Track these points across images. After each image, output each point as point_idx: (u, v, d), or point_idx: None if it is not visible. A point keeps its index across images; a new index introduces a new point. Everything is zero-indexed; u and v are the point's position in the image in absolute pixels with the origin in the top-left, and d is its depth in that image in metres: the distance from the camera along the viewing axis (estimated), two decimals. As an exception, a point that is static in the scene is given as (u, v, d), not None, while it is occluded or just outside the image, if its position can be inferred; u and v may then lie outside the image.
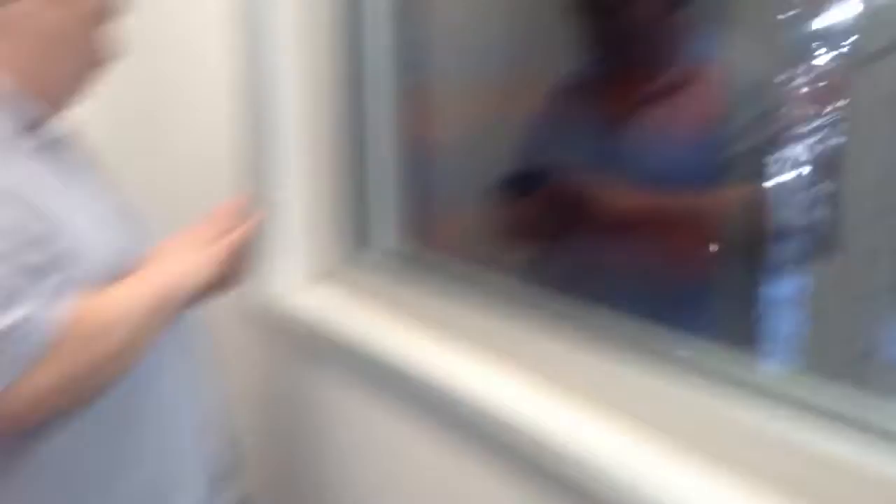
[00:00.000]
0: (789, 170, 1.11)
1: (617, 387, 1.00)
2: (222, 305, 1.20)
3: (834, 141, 1.10)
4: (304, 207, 1.54)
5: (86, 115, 1.10)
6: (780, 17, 1.28)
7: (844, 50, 1.13)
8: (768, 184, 1.10)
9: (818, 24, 1.42)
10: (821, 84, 1.17)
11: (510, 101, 1.35)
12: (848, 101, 1.08)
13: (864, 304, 1.04)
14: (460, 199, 1.45)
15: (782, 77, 1.18)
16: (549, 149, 1.29)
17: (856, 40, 1.10)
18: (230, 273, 1.12)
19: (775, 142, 1.10)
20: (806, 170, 1.11)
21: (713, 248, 1.13)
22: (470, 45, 1.40)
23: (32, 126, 0.98)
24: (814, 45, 1.30)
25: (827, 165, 1.09)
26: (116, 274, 0.96)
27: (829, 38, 1.24)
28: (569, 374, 1.06)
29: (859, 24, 1.10)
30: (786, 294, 1.16)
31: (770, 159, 1.11)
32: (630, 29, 1.20)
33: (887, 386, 0.91)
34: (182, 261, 1.05)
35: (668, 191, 1.15)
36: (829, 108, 1.12)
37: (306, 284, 1.55)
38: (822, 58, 1.25)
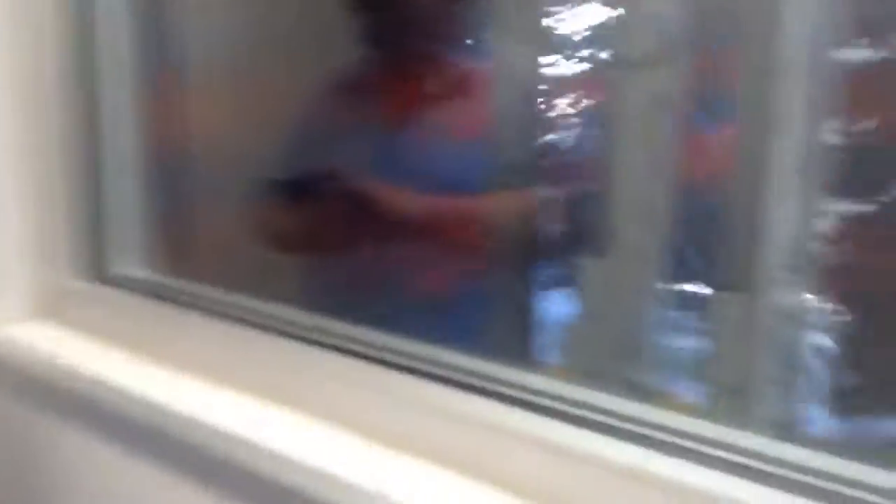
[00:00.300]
0: (559, 172, 1.10)
1: (365, 407, 0.95)
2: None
3: (599, 142, 1.10)
4: (19, 230, 1.28)
5: None
6: (548, 20, 1.28)
7: (609, 54, 1.13)
8: (540, 186, 1.08)
9: (582, 27, 1.45)
10: (586, 88, 1.17)
11: (278, 98, 1.21)
12: (613, 103, 1.08)
13: (633, 304, 1.02)
14: (220, 212, 1.27)
15: (550, 81, 1.17)
16: (323, 150, 1.16)
17: (619, 45, 1.11)
18: None
19: (545, 144, 1.09)
20: (574, 171, 1.10)
21: (488, 251, 1.09)
22: (230, 33, 1.24)
23: None
24: (579, 49, 1.32)
25: (593, 167, 1.08)
26: None
27: (594, 42, 1.25)
28: (333, 405, 0.99)
29: (623, 30, 1.10)
30: (557, 297, 1.16)
31: (541, 162, 1.09)
32: (406, 21, 1.13)
33: (653, 387, 0.94)
34: None
35: (449, 194, 1.09)
36: (594, 111, 1.12)
37: (24, 320, 1.30)
38: (587, 62, 1.26)
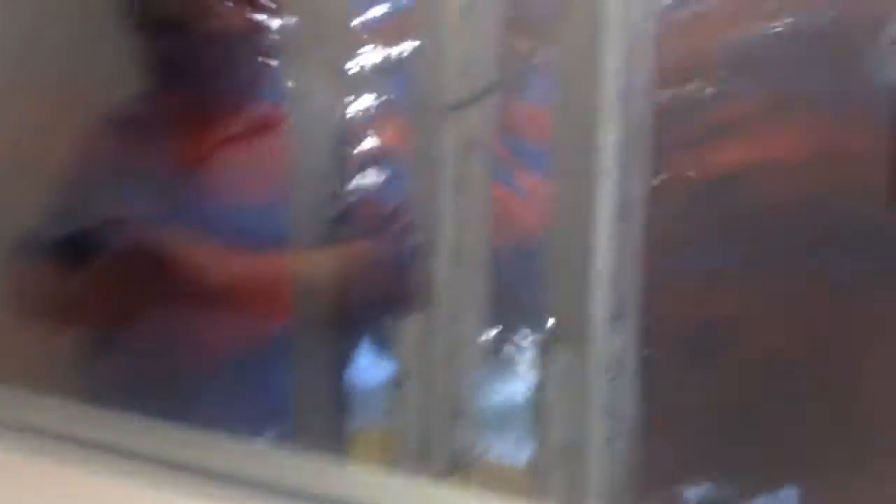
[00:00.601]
0: (370, 222, 1.04)
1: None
2: None
3: (411, 189, 1.05)
4: None
5: None
6: (353, 59, 1.22)
7: (417, 96, 1.10)
8: (350, 237, 1.01)
9: (388, 67, 1.40)
10: (395, 131, 1.13)
11: (47, 135, 1.05)
12: (425, 148, 1.04)
13: (454, 360, 0.98)
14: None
15: (356, 123, 1.12)
16: (104, 200, 1.01)
17: (429, 87, 1.07)
18: None
19: (353, 192, 1.02)
20: (386, 221, 1.04)
21: (297, 313, 1.00)
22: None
23: None
24: (385, 90, 1.27)
25: (405, 216, 1.03)
26: None
27: (400, 83, 1.21)
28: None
29: (433, 72, 1.07)
30: (375, 356, 1.09)
31: (350, 212, 1.02)
32: (197, 53, 1.01)
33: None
34: None
35: (252, 249, 0.98)
36: (404, 156, 1.07)
37: None
38: (393, 104, 1.21)
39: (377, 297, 0.96)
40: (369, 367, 1.09)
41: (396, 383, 0.97)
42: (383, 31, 1.49)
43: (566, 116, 0.81)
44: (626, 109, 0.80)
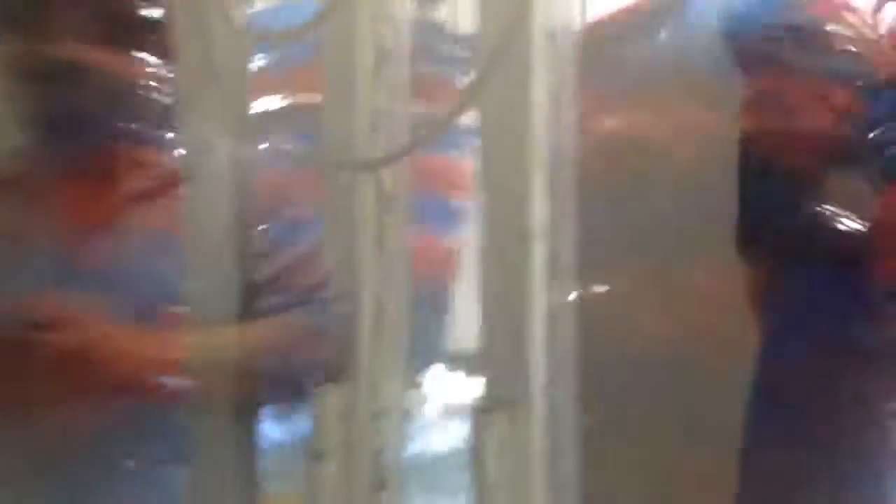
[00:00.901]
0: (280, 285, 0.98)
1: None
2: None
3: (324, 248, 1.00)
4: None
5: None
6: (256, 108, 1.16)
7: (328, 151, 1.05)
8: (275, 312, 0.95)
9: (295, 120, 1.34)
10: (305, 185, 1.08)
11: None
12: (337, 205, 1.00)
13: (373, 429, 0.93)
14: None
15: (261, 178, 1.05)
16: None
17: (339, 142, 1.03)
18: None
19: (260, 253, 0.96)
20: (298, 282, 0.99)
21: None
22: None
23: None
24: (292, 143, 1.21)
25: (318, 276, 0.97)
26: None
27: (309, 136, 1.16)
28: None
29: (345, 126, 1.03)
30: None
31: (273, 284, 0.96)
32: (83, 103, 0.93)
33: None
34: None
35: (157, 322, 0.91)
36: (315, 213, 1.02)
37: None
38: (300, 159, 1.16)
39: (294, 372, 0.90)
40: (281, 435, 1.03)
41: (316, 454, 0.90)
42: (275, 81, 1.44)
43: (495, 173, 0.79)
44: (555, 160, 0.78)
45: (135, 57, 0.96)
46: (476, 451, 0.80)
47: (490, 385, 0.80)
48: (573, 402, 0.81)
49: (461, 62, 1.24)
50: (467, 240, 1.39)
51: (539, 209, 0.75)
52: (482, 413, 0.79)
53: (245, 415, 0.99)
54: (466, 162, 1.32)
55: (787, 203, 0.94)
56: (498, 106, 0.78)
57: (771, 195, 0.95)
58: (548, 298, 0.77)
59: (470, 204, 1.36)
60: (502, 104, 0.78)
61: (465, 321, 1.48)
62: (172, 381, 0.93)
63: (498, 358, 0.79)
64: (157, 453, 0.92)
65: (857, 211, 0.93)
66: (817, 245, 0.94)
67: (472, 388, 0.99)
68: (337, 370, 0.88)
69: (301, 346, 0.90)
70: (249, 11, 1.19)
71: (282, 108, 1.38)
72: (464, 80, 1.26)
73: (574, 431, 0.81)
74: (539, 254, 0.76)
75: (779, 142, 0.95)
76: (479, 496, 0.80)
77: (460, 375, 1.49)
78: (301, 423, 1.00)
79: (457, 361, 1.50)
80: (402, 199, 0.94)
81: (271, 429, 1.06)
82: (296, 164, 1.02)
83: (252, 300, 0.89)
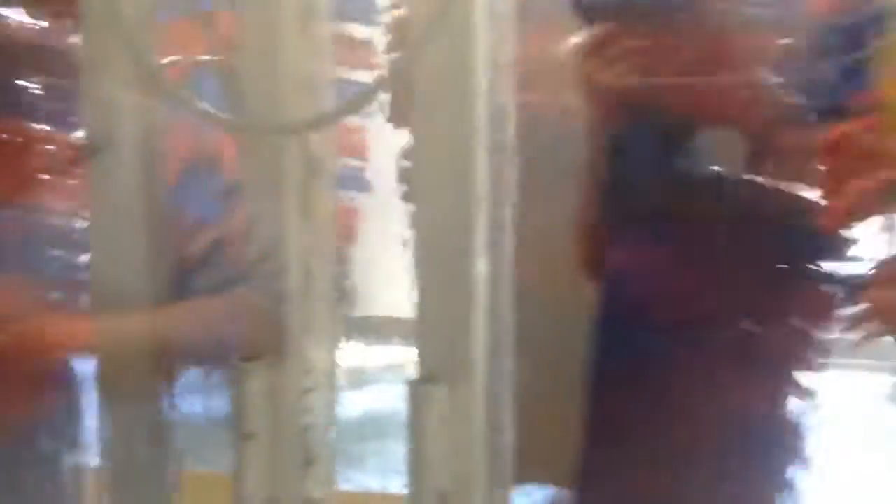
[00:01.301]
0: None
1: None
2: None
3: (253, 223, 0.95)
4: None
5: None
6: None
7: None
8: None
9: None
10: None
11: None
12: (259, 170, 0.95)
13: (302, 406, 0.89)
14: None
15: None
16: None
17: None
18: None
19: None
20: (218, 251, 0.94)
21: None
22: None
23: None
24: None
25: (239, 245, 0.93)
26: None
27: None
28: None
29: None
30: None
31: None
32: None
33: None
34: None
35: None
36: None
37: None
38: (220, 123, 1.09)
39: (220, 350, 0.85)
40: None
41: (244, 435, 0.86)
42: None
43: (437, 141, 0.76)
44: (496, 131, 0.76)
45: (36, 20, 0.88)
46: (414, 424, 0.78)
47: (426, 355, 0.78)
48: (512, 371, 0.79)
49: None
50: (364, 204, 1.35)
51: (481, 172, 0.73)
52: (420, 384, 0.77)
53: (159, 393, 0.94)
54: (362, 124, 1.27)
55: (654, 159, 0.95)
56: (436, 68, 0.75)
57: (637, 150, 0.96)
58: (488, 265, 0.75)
59: (366, 167, 1.32)
60: (441, 66, 0.75)
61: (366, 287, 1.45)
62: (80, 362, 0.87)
63: (437, 327, 0.77)
64: (69, 438, 0.86)
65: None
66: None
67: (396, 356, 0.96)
68: (264, 346, 0.84)
69: (225, 326, 0.85)
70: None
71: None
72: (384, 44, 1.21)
73: (512, 400, 0.80)
74: (481, 219, 0.73)
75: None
76: (417, 470, 0.78)
77: (358, 344, 1.46)
78: (219, 400, 0.96)
79: (356, 329, 1.47)
80: (330, 164, 0.90)
81: (188, 405, 1.01)
82: (217, 128, 0.96)
83: (182, 279, 0.84)
